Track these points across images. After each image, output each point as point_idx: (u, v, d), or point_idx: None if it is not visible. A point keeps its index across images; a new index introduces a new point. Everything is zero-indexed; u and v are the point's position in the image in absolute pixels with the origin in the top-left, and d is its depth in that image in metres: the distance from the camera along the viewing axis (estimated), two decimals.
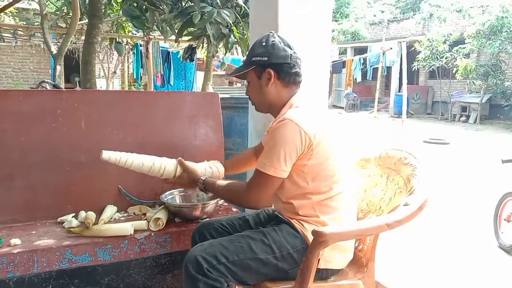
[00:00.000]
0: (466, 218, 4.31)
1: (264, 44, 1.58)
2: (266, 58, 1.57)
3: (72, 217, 1.91)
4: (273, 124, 1.56)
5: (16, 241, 1.65)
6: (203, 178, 1.70)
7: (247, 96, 1.72)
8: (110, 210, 1.99)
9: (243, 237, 1.51)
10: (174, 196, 2.12)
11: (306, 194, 1.53)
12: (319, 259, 1.48)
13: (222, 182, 1.67)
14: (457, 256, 3.34)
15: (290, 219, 1.56)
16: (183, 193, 2.15)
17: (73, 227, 1.81)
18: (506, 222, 3.50)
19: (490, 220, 3.65)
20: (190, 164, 1.81)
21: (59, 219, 1.92)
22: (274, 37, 1.59)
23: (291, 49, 1.59)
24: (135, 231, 1.81)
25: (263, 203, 1.55)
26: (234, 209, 2.22)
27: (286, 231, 1.53)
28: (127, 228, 1.78)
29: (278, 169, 1.45)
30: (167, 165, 1.77)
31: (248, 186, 1.53)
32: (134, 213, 2.06)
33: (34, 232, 1.79)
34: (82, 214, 1.92)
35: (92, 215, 1.85)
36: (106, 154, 1.71)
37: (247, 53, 1.69)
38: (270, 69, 1.57)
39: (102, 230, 1.76)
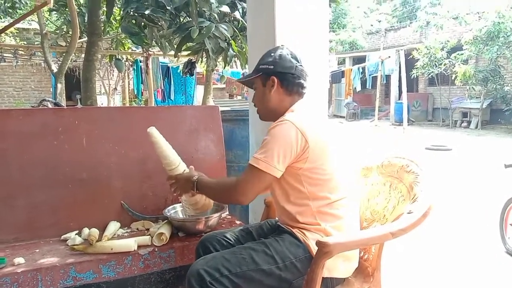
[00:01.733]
0: (471, 224, 4.28)
1: (272, 54, 1.66)
2: (272, 67, 1.63)
3: (76, 234, 1.91)
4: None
5: (19, 260, 1.65)
6: (197, 176, 1.72)
7: (253, 104, 1.76)
8: (113, 226, 1.98)
9: (245, 249, 1.50)
10: (177, 211, 2.11)
11: (303, 199, 1.53)
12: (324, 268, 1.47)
13: (213, 180, 1.73)
14: (464, 262, 3.31)
15: (291, 229, 1.56)
16: (178, 209, 2.13)
17: (76, 245, 1.80)
18: None
19: (496, 225, 3.62)
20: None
21: (62, 237, 1.91)
22: (283, 49, 1.67)
23: (297, 61, 1.66)
24: (139, 246, 1.80)
25: (250, 198, 1.53)
26: (238, 222, 2.21)
27: (288, 241, 1.53)
28: (130, 244, 1.77)
29: (270, 165, 1.46)
30: (181, 163, 1.87)
31: (237, 180, 1.54)
32: (137, 229, 2.05)
33: (37, 250, 1.79)
34: (86, 231, 1.91)
35: (95, 232, 1.85)
36: (152, 130, 1.85)
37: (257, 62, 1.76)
38: (274, 76, 1.63)
39: (105, 246, 1.76)
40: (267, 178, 1.49)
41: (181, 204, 2.13)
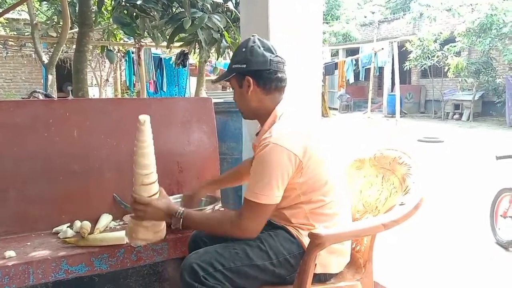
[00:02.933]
0: (462, 216, 4.32)
1: (243, 50, 1.54)
2: (244, 65, 1.52)
3: (67, 227, 1.89)
4: (259, 144, 1.48)
5: (10, 253, 1.63)
6: (182, 210, 1.51)
7: (229, 106, 1.67)
8: (106, 219, 1.97)
9: (238, 244, 1.47)
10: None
11: (297, 204, 1.51)
12: (316, 264, 1.47)
13: (204, 214, 1.61)
14: (455, 253, 3.35)
15: (285, 225, 1.55)
16: (178, 200, 2.13)
17: (68, 237, 1.79)
18: (503, 218, 3.52)
19: (487, 216, 3.66)
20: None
21: (54, 230, 1.90)
22: (254, 42, 1.53)
23: (272, 53, 1.53)
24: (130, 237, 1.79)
25: (258, 232, 1.46)
26: None
27: (282, 236, 1.52)
28: (122, 236, 1.76)
29: (271, 196, 1.41)
30: (155, 172, 1.59)
31: (240, 218, 1.44)
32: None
33: (29, 243, 1.77)
34: (77, 224, 1.89)
35: (87, 224, 1.84)
36: (146, 117, 1.56)
37: (231, 59, 1.64)
38: (248, 76, 1.52)
39: (97, 239, 1.75)
40: (270, 209, 1.44)
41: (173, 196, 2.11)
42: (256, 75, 1.52)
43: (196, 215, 1.55)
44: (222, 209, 2.26)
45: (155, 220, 1.57)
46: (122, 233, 1.78)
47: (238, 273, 1.43)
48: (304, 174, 1.45)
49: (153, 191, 1.56)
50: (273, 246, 1.49)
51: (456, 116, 14.67)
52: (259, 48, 1.52)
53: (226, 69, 1.63)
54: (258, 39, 1.56)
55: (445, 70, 14.02)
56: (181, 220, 1.48)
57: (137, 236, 1.58)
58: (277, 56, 1.55)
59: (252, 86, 1.53)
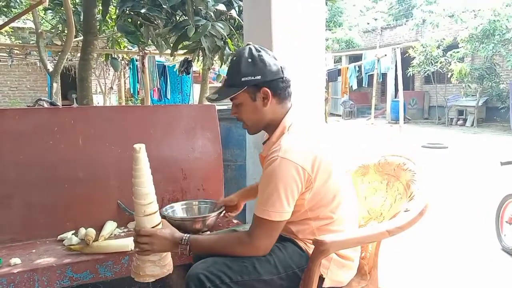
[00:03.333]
0: (467, 222, 4.30)
1: (250, 61, 1.44)
2: (259, 77, 1.43)
3: (72, 234, 1.90)
4: (267, 156, 1.44)
5: (16, 260, 1.64)
6: (188, 235, 1.45)
7: (235, 117, 1.57)
8: (110, 226, 1.98)
9: (247, 257, 1.43)
10: (175, 210, 2.10)
11: (304, 220, 1.48)
12: (325, 278, 1.47)
13: (211, 237, 1.55)
14: (460, 260, 3.32)
15: (293, 238, 1.52)
16: (184, 206, 2.14)
17: (73, 245, 1.79)
18: (508, 225, 3.49)
19: (492, 223, 3.64)
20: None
21: (59, 237, 1.91)
22: (259, 51, 1.46)
23: (276, 59, 1.48)
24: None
25: (270, 249, 1.43)
26: (235, 221, 2.21)
27: (291, 249, 1.49)
28: (127, 244, 1.76)
29: (283, 212, 1.37)
30: (156, 202, 1.50)
31: (252, 237, 1.40)
32: (134, 228, 2.04)
33: (34, 251, 1.78)
34: (82, 231, 1.90)
35: (92, 231, 1.84)
36: (139, 146, 1.48)
37: (229, 72, 1.51)
38: (265, 88, 1.45)
39: (102, 246, 1.75)
40: (281, 225, 1.40)
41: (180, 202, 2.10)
42: (273, 86, 1.46)
43: (203, 239, 1.50)
44: (227, 217, 2.26)
45: (161, 251, 1.48)
46: (127, 241, 1.78)
47: (244, 287, 1.40)
48: (313, 190, 1.41)
49: (156, 221, 1.48)
50: (282, 260, 1.45)
51: (460, 122, 14.63)
52: (268, 56, 1.46)
53: (224, 85, 1.53)
54: (260, 47, 1.48)
55: (449, 76, 14.00)
56: (188, 246, 1.42)
57: (144, 273, 1.47)
58: (280, 62, 1.49)
59: (270, 98, 1.46)
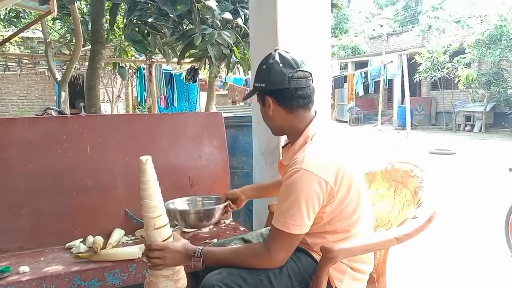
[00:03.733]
0: (476, 228, 4.25)
1: (264, 67, 1.47)
2: (263, 85, 1.46)
3: (80, 242, 1.91)
4: (287, 166, 1.42)
5: (24, 268, 1.65)
6: (201, 247, 1.43)
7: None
8: (118, 234, 1.98)
9: (263, 270, 1.40)
10: (175, 205, 1.97)
11: (321, 233, 1.45)
12: None
13: (225, 249, 1.50)
14: (470, 267, 3.29)
15: (307, 249, 1.50)
16: (187, 202, 2.04)
17: (81, 252, 1.80)
18: None
19: (501, 229, 3.60)
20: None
21: (67, 245, 1.92)
22: (273, 58, 1.45)
23: (293, 68, 1.43)
24: (143, 254, 1.79)
25: (286, 261, 1.41)
26: (242, 228, 2.21)
27: (305, 260, 1.47)
28: (134, 251, 1.77)
29: (302, 226, 1.34)
30: (165, 215, 1.49)
31: (269, 250, 1.37)
32: (141, 236, 2.05)
33: (42, 258, 1.79)
34: (90, 239, 1.91)
35: (99, 239, 1.85)
36: (145, 158, 1.46)
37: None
38: (268, 96, 1.47)
39: (110, 254, 1.76)
40: (299, 238, 1.38)
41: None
42: (276, 95, 1.45)
43: (216, 251, 1.46)
44: (233, 223, 2.26)
45: (174, 265, 1.44)
46: (135, 248, 1.79)
47: None
48: (334, 204, 1.38)
49: (167, 235, 1.45)
50: (297, 273, 1.43)
51: (468, 127, 14.54)
52: (278, 65, 1.43)
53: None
54: (279, 53, 1.46)
55: (456, 81, 13.95)
56: (202, 259, 1.40)
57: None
58: (298, 70, 1.44)
59: (273, 105, 1.47)
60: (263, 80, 1.46)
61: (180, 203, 1.99)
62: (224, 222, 2.27)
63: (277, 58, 1.45)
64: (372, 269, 1.59)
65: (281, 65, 1.44)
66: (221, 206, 1.86)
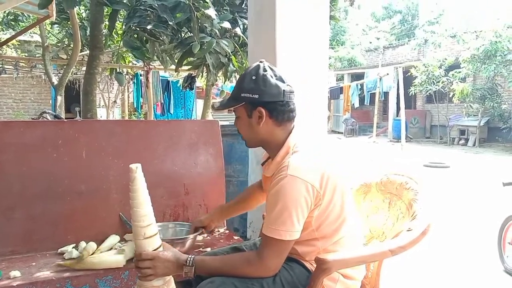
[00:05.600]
0: (469, 242, 4.26)
1: (254, 78, 1.44)
2: (257, 96, 1.43)
3: (73, 247, 1.89)
4: (272, 176, 1.45)
5: (15, 273, 1.63)
6: (192, 256, 1.41)
7: (236, 129, 1.58)
8: (111, 240, 1.95)
9: (256, 279, 1.40)
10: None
11: (311, 240, 1.46)
12: None
13: (217, 258, 1.50)
14: (462, 280, 3.29)
15: (299, 259, 1.50)
16: (159, 228, 1.99)
17: (66, 260, 1.76)
18: (511, 246, 3.46)
19: (494, 243, 3.61)
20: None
21: (59, 250, 1.89)
22: (266, 70, 1.45)
23: (283, 82, 1.46)
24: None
25: (279, 269, 1.41)
26: (236, 237, 2.20)
27: (298, 270, 1.47)
28: (119, 260, 1.73)
29: (293, 231, 1.35)
30: (154, 224, 1.46)
31: (261, 257, 1.37)
32: (134, 253, 2.00)
33: (34, 263, 1.77)
34: (83, 244, 1.89)
35: (91, 246, 1.82)
36: (135, 165, 1.44)
37: (236, 85, 1.54)
38: (261, 107, 1.45)
39: (94, 263, 1.71)
40: (291, 244, 1.38)
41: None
42: (269, 107, 1.45)
43: (209, 260, 1.44)
44: (205, 235, 2.20)
45: (165, 275, 1.42)
46: (119, 257, 1.75)
47: None
48: (321, 207, 1.40)
49: (157, 244, 1.43)
50: (290, 281, 1.43)
51: (462, 141, 14.64)
52: (272, 77, 1.45)
53: (230, 96, 1.54)
54: (269, 66, 1.48)
55: (450, 95, 14.08)
56: (193, 268, 1.38)
57: None
58: (288, 85, 1.48)
59: (265, 117, 1.45)
60: (256, 90, 1.44)
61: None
62: (218, 231, 2.25)
63: (269, 70, 1.46)
64: (363, 275, 1.59)
65: (274, 78, 1.46)
66: (192, 236, 1.87)
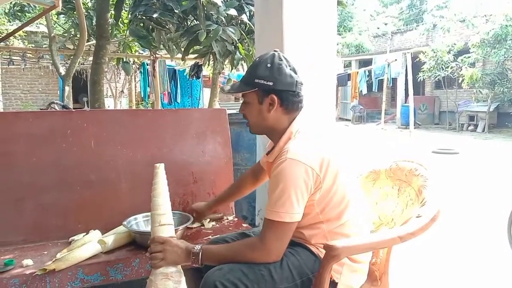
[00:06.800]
0: (479, 229, 4.25)
1: (269, 66, 1.48)
2: (271, 83, 1.47)
3: (84, 236, 1.91)
4: (274, 162, 1.49)
5: (28, 262, 1.65)
6: (200, 246, 1.46)
7: (242, 114, 1.62)
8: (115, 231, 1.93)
9: (264, 264, 1.41)
10: (138, 222, 1.97)
11: (316, 224, 1.48)
12: (338, 283, 1.46)
13: (223, 246, 1.53)
14: (472, 267, 3.28)
15: (304, 243, 1.52)
16: (146, 218, 1.97)
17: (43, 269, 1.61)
18: None
19: (504, 230, 3.59)
20: None
21: (70, 239, 1.92)
22: (281, 60, 1.50)
23: (296, 73, 1.52)
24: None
25: (282, 253, 1.42)
26: (244, 225, 2.21)
27: (304, 254, 1.49)
28: (97, 248, 1.73)
29: (294, 213, 1.37)
30: (169, 213, 1.58)
31: (263, 240, 1.40)
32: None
33: (45, 252, 1.79)
34: (94, 233, 1.90)
35: (94, 235, 1.83)
36: (159, 164, 1.64)
37: (248, 70, 1.58)
38: (274, 95, 1.49)
39: (75, 257, 1.66)
40: (292, 227, 1.40)
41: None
42: (282, 95, 1.49)
43: (214, 248, 1.49)
44: (236, 219, 2.26)
45: (174, 261, 1.45)
46: (95, 245, 1.74)
47: None
48: (322, 190, 1.42)
49: (170, 233, 1.53)
50: (297, 266, 1.45)
51: (471, 127, 14.50)
52: (286, 67, 1.49)
53: (240, 80, 1.58)
54: (284, 57, 1.52)
55: (459, 81, 13.91)
56: (200, 254, 1.43)
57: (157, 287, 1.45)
58: (299, 77, 1.53)
59: (276, 105, 1.50)
60: (271, 78, 1.48)
61: (142, 220, 1.98)
62: (227, 219, 2.26)
63: (284, 60, 1.51)
64: (369, 259, 1.61)
65: (289, 68, 1.51)
66: (181, 228, 1.85)
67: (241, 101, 1.64)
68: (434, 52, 14.31)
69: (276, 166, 1.42)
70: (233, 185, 2.06)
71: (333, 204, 1.46)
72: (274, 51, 1.54)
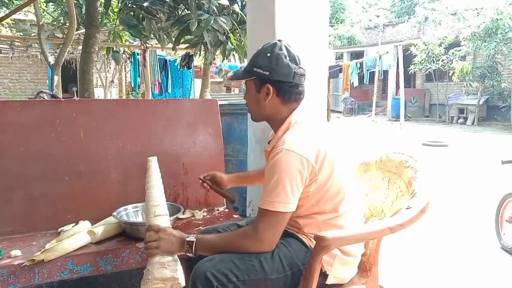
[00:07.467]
0: (467, 220, 4.30)
1: (268, 55, 1.48)
2: (267, 73, 1.48)
3: (73, 227, 1.90)
4: (271, 151, 1.48)
5: (16, 252, 1.64)
6: (194, 235, 1.47)
7: (245, 101, 1.64)
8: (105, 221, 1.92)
9: (255, 254, 1.42)
10: (128, 212, 1.97)
11: (311, 215, 1.49)
12: (328, 275, 1.48)
13: (217, 236, 1.53)
14: (460, 258, 3.33)
15: (296, 233, 1.53)
16: (136, 209, 1.99)
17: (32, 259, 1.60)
18: (508, 223, 3.49)
19: (492, 221, 3.64)
20: None
21: (59, 230, 1.90)
22: (281, 49, 1.49)
23: (296, 64, 1.51)
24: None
25: (275, 243, 1.43)
26: (235, 216, 2.21)
27: (295, 245, 1.49)
28: (87, 238, 1.72)
29: (288, 203, 1.37)
30: (164, 205, 1.60)
31: (256, 230, 1.40)
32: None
33: (34, 243, 1.78)
34: (83, 224, 1.89)
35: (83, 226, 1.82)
36: (151, 158, 1.67)
37: (251, 58, 1.58)
38: (269, 85, 1.49)
39: (64, 247, 1.64)
40: (286, 217, 1.40)
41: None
42: (277, 85, 1.49)
43: (208, 237, 1.50)
44: (227, 210, 2.26)
45: (169, 250, 1.46)
46: (84, 235, 1.73)
47: (250, 286, 1.40)
48: (317, 182, 1.43)
49: (165, 224, 1.54)
50: (288, 257, 1.46)
51: (461, 120, 14.63)
52: (285, 57, 1.48)
53: (241, 68, 1.59)
54: (285, 46, 1.51)
55: (450, 74, 14.00)
56: (194, 243, 1.43)
57: (153, 276, 1.43)
58: (300, 67, 1.52)
59: (272, 95, 1.50)
60: (268, 68, 1.48)
61: (131, 211, 1.97)
62: (218, 210, 2.26)
63: (284, 50, 1.50)
64: (362, 251, 1.62)
65: (287, 58, 1.49)
66: (171, 218, 1.77)
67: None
68: (426, 45, 14.37)
69: (272, 156, 1.43)
70: (256, 171, 2.02)
71: (328, 196, 1.47)
72: (278, 40, 1.54)
